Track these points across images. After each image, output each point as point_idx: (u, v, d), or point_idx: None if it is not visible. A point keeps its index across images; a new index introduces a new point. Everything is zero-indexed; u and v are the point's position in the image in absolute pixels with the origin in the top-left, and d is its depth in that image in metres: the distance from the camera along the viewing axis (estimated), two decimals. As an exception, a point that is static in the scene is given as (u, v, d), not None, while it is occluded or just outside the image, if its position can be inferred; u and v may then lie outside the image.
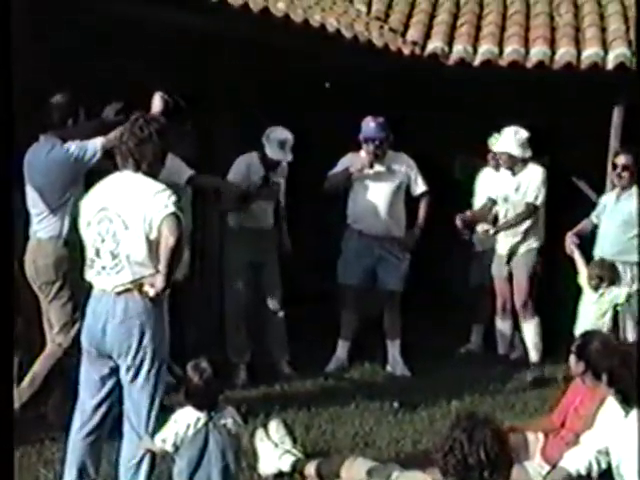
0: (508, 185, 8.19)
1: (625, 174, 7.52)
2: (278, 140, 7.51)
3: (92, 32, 6.79)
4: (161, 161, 4.92)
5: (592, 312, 7.32)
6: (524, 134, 8.03)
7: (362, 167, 7.92)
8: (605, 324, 7.19)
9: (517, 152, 8.00)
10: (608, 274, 7.30)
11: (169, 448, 4.59)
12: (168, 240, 4.53)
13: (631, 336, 7.23)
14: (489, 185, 8.75)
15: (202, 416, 4.60)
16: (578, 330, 7.19)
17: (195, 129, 7.53)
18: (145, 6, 6.83)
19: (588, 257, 7.62)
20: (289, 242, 8.01)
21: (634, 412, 4.70)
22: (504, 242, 8.24)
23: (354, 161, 7.99)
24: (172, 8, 7.08)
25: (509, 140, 8.06)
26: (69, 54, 6.75)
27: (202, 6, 7.36)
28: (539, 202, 7.99)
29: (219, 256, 7.94)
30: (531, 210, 8.02)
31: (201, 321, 8.34)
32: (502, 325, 8.51)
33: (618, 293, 7.26)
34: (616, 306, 7.25)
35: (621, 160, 7.56)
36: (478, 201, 8.93)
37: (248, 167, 7.61)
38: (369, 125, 7.92)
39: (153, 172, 4.82)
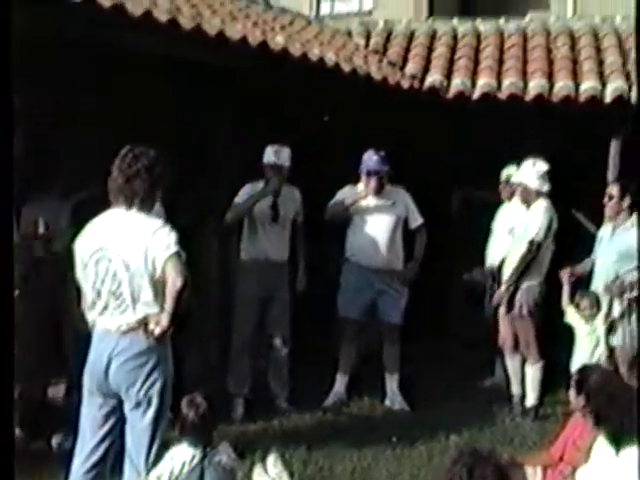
0: (519, 219, 8.10)
1: (613, 205, 7.48)
2: (272, 150, 7.57)
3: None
4: (153, 196, 4.85)
5: (584, 345, 7.29)
6: (543, 166, 7.91)
7: (359, 198, 7.95)
8: (599, 357, 7.16)
9: (534, 185, 7.88)
10: (594, 302, 7.29)
11: (165, 485, 4.58)
12: (176, 282, 4.52)
13: (625, 371, 7.19)
14: (503, 221, 8.73)
15: (197, 453, 4.59)
16: (574, 365, 7.18)
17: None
18: (141, 36, 6.89)
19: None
20: (305, 278, 7.97)
21: (627, 451, 4.67)
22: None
23: (351, 193, 8.02)
24: (177, 44, 7.18)
25: (527, 172, 7.96)
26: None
27: (201, 40, 7.43)
28: (540, 238, 7.80)
29: (223, 288, 7.92)
30: (532, 247, 7.80)
31: (200, 354, 8.35)
32: (509, 361, 8.27)
33: (602, 325, 7.26)
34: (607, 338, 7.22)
35: (610, 191, 7.54)
36: (493, 237, 8.90)
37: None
38: (372, 158, 7.95)
39: (145, 208, 4.78)
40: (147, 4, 7.08)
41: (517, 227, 8.04)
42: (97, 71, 7.07)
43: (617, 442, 4.72)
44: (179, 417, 4.73)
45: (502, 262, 8.28)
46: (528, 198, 7.93)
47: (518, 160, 8.17)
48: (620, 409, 4.68)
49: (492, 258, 8.72)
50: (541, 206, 7.83)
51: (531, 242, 7.76)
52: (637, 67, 7.22)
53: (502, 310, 8.03)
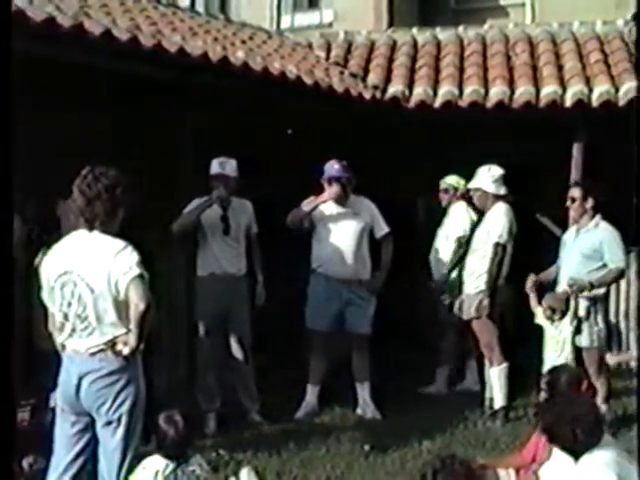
0: (477, 224, 8.21)
1: (576, 207, 7.55)
2: (218, 162, 7.55)
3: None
4: (115, 216, 4.81)
5: (552, 347, 7.36)
6: (498, 171, 7.99)
7: (320, 202, 7.98)
8: (565, 358, 7.22)
9: (491, 189, 7.96)
10: (559, 306, 7.34)
11: (137, 497, 4.61)
12: (139, 306, 4.53)
13: (593, 372, 7.26)
14: (454, 224, 8.88)
15: (170, 464, 4.62)
16: (544, 367, 7.24)
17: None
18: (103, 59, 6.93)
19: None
20: (264, 293, 7.89)
21: (585, 459, 4.71)
22: (469, 282, 8.19)
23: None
24: (138, 62, 7.21)
25: (483, 177, 8.03)
26: None
27: (162, 57, 7.47)
28: (503, 240, 7.86)
29: (190, 304, 7.90)
30: (498, 250, 7.82)
31: (171, 370, 8.36)
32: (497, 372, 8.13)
33: (569, 326, 7.31)
34: (574, 339, 7.28)
35: (572, 194, 7.59)
36: (441, 239, 9.06)
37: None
38: (333, 167, 7.99)
39: (107, 230, 4.76)
40: (106, 23, 7.14)
41: (477, 233, 8.11)
42: (61, 90, 7.11)
43: (574, 455, 4.76)
44: (157, 433, 4.76)
45: (452, 269, 8.48)
46: (486, 203, 8.02)
47: (478, 166, 8.25)
48: (573, 424, 4.69)
49: (440, 265, 8.93)
50: (500, 209, 7.90)
51: (496, 245, 7.82)
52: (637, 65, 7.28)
53: (472, 314, 8.08)
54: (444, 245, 8.96)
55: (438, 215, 9.30)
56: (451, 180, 9.12)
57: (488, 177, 8.00)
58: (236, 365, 7.72)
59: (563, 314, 7.30)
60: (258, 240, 7.88)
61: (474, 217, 8.68)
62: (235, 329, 7.70)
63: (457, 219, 8.96)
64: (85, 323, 4.67)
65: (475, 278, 7.94)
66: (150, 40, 7.47)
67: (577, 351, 7.30)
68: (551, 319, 7.35)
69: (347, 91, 9.80)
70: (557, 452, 4.96)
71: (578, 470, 4.72)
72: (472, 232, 8.23)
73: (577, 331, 7.28)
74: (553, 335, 7.36)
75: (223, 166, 7.53)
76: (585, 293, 7.27)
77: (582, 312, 7.30)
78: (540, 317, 7.47)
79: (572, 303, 7.31)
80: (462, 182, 8.90)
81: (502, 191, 7.96)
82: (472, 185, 8.25)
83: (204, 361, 7.65)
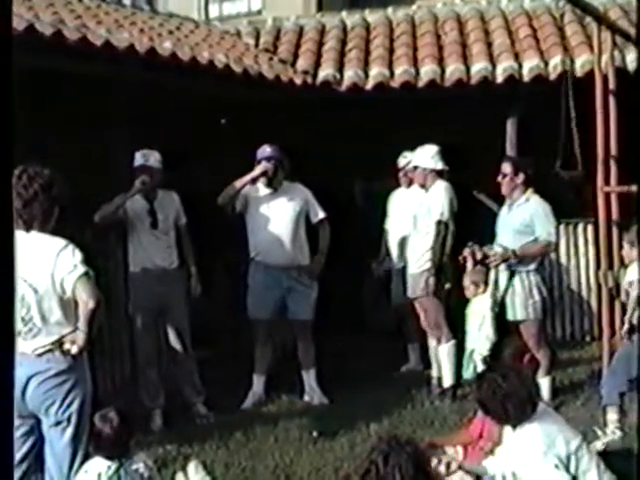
0: (418, 203, 8.21)
1: (507, 182, 7.58)
2: (140, 154, 7.49)
3: None
4: (51, 216, 4.77)
5: (473, 321, 7.41)
6: (434, 148, 8.06)
7: (250, 178, 7.96)
8: (486, 333, 7.27)
9: (429, 164, 8.02)
10: (481, 279, 7.40)
11: (81, 500, 4.56)
12: (88, 304, 4.49)
13: (533, 345, 7.32)
14: (401, 205, 8.88)
15: (112, 464, 4.58)
16: (467, 342, 7.32)
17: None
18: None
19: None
20: (199, 285, 7.83)
21: (515, 432, 4.90)
22: (413, 261, 8.21)
23: (250, 189, 8.08)
24: (63, 57, 7.12)
25: (420, 155, 8.11)
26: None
27: (87, 51, 7.39)
28: (445, 217, 7.89)
29: (127, 301, 7.83)
30: (440, 228, 7.88)
31: (114, 369, 8.31)
32: (445, 350, 8.19)
33: (488, 298, 7.35)
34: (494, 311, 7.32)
35: (504, 169, 7.62)
36: (392, 222, 9.05)
37: (131, 201, 7.51)
38: (265, 150, 8.01)
39: (45, 229, 4.72)
40: (29, 17, 7.04)
41: (418, 213, 8.13)
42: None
43: (511, 425, 4.94)
44: (92, 433, 4.71)
45: (402, 247, 8.50)
46: (425, 181, 8.06)
47: (413, 147, 8.28)
48: (504, 400, 4.86)
49: (393, 243, 8.91)
50: (441, 187, 7.95)
51: (439, 222, 7.86)
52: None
53: (418, 293, 8.12)
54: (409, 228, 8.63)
55: (377, 199, 9.32)
56: (407, 157, 8.91)
57: (425, 154, 8.05)
58: (177, 358, 7.69)
59: (486, 286, 7.36)
60: (189, 232, 7.84)
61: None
62: (173, 323, 7.65)
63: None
64: (30, 325, 4.62)
65: (419, 256, 7.99)
66: (75, 33, 7.37)
67: (504, 324, 7.34)
68: (475, 295, 7.41)
69: (277, 77, 9.79)
70: (508, 429, 5.06)
71: (508, 444, 4.90)
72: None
73: (500, 304, 7.33)
74: (474, 310, 7.41)
75: (146, 158, 7.47)
76: (512, 263, 7.31)
77: (503, 283, 7.34)
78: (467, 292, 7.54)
79: (491, 275, 7.36)
80: None
81: (440, 165, 8.01)
82: (410, 165, 8.32)
83: (144, 357, 7.60)
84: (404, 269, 8.61)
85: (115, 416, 4.67)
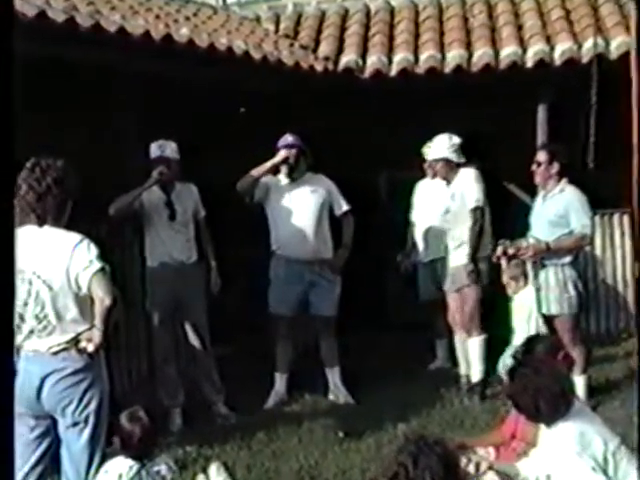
0: (445, 196, 8.20)
1: (541, 171, 7.50)
2: (157, 145, 7.49)
3: None
4: (65, 210, 4.79)
5: (519, 315, 7.39)
6: (457, 139, 8.08)
7: (271, 165, 7.94)
8: (534, 328, 7.24)
9: (452, 157, 8.04)
10: (519, 274, 7.38)
11: (101, 501, 4.56)
12: (104, 301, 4.49)
13: (568, 341, 7.24)
14: (427, 197, 8.84)
15: (134, 465, 4.58)
16: (515, 339, 7.28)
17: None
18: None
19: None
20: (219, 280, 7.82)
21: (548, 431, 4.84)
22: (455, 253, 8.14)
23: (272, 180, 8.06)
24: (76, 44, 7.11)
25: (443, 146, 8.10)
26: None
27: (101, 38, 7.38)
28: (481, 203, 7.90)
29: (144, 297, 7.83)
30: (477, 215, 7.89)
31: (131, 367, 8.31)
32: (457, 340, 8.35)
33: (530, 293, 7.35)
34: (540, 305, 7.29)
35: (538, 157, 7.55)
36: (417, 213, 9.01)
37: (148, 192, 7.51)
38: (287, 138, 8.00)
39: (58, 224, 4.73)
40: (40, 4, 7.03)
41: (450, 205, 8.10)
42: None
43: (543, 423, 4.89)
44: (121, 433, 4.72)
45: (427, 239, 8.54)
46: (448, 173, 8.05)
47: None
48: (536, 395, 4.80)
49: (418, 236, 8.90)
50: (470, 175, 7.94)
51: (474, 210, 7.85)
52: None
53: (451, 286, 8.11)
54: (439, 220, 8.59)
55: (402, 190, 9.27)
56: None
57: (449, 146, 8.03)
58: (196, 355, 7.69)
59: (526, 279, 7.35)
60: (207, 225, 7.83)
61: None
62: (191, 318, 7.64)
63: (469, 187, 8.28)
64: (44, 322, 4.63)
65: (460, 247, 7.99)
66: (88, 20, 7.36)
67: (547, 319, 7.32)
68: (517, 290, 7.42)
69: (298, 64, 9.76)
70: (543, 429, 5.01)
71: (542, 445, 4.84)
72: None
73: (538, 297, 7.30)
74: (519, 304, 7.40)
75: (163, 149, 7.47)
76: (545, 256, 7.27)
77: (542, 277, 7.30)
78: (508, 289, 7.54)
79: (528, 268, 7.33)
80: None
81: (462, 159, 8.02)
82: (433, 156, 8.26)
83: (161, 354, 7.59)
84: (432, 263, 8.61)
85: (144, 415, 4.67)
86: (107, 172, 7.77)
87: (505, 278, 7.50)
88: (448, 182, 8.12)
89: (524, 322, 7.31)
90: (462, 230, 7.97)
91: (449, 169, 8.09)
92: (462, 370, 8.26)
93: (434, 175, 8.70)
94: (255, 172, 7.97)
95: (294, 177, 8.02)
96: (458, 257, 8.04)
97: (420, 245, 8.94)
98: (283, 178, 8.05)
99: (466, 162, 8.12)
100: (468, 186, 7.94)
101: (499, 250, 7.42)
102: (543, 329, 7.17)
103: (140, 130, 8.14)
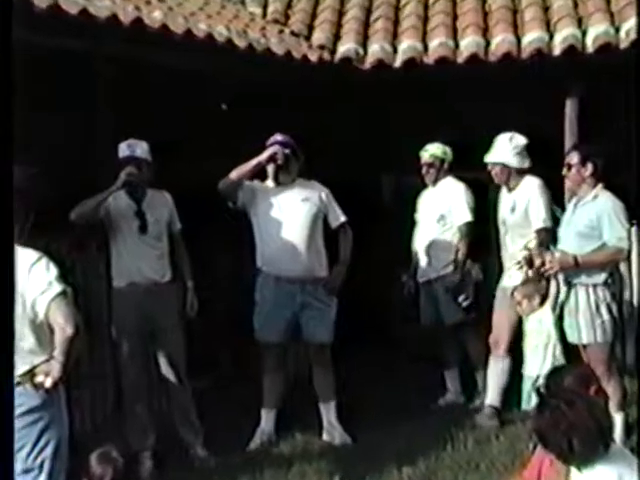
0: (509, 206, 8.20)
1: (573, 175, 7.38)
2: (126, 144, 7.46)
3: None
4: (27, 220, 4.78)
5: (533, 342, 7.36)
6: (521, 140, 8.08)
7: (261, 160, 7.89)
8: (553, 355, 7.21)
9: (514, 162, 8.04)
10: (535, 291, 7.33)
11: None
12: (65, 330, 4.47)
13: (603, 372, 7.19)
14: (428, 205, 8.89)
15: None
16: (527, 368, 7.25)
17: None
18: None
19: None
20: (196, 302, 7.78)
21: (592, 471, 4.75)
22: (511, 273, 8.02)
23: (260, 186, 8.04)
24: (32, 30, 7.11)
25: (504, 148, 8.10)
26: None
27: (60, 23, 7.37)
28: (548, 225, 7.91)
29: (110, 323, 7.80)
30: (543, 236, 7.88)
31: (95, 405, 8.28)
32: (497, 366, 8.30)
33: (550, 315, 7.28)
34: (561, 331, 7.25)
35: (569, 160, 7.48)
36: (419, 225, 9.04)
37: (115, 199, 7.48)
38: (276, 137, 7.96)
39: (20, 237, 4.67)
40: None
41: (507, 217, 8.14)
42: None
43: (575, 465, 4.80)
44: (88, 476, 4.70)
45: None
46: (507, 179, 8.06)
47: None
48: (569, 432, 4.71)
49: (420, 250, 8.98)
50: (534, 186, 7.95)
51: (541, 230, 7.90)
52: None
53: (501, 303, 8.12)
54: (436, 231, 8.86)
55: (408, 197, 9.28)
56: (436, 150, 8.97)
57: (510, 148, 8.02)
58: (170, 391, 7.65)
59: (543, 299, 7.26)
60: (183, 238, 7.79)
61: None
62: (164, 347, 7.58)
63: (455, 199, 8.82)
64: (-5, 354, 4.59)
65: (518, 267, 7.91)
66: (45, 2, 7.35)
67: (567, 347, 7.27)
68: (532, 311, 7.34)
69: (289, 53, 9.75)
70: (575, 473, 4.96)
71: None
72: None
73: (560, 320, 7.24)
74: (534, 328, 7.34)
75: (133, 148, 7.43)
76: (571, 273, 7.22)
77: (571, 299, 7.23)
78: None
79: (552, 285, 7.27)
80: (449, 151, 8.87)
81: (527, 164, 7.99)
82: (491, 158, 8.21)
83: (131, 390, 7.53)
84: (436, 281, 8.65)
85: (118, 456, 4.66)
86: (72, 172, 7.78)
87: (518, 296, 7.40)
88: (509, 189, 8.15)
89: (540, 349, 7.27)
90: (520, 247, 7.88)
91: (508, 175, 8.09)
92: (489, 400, 8.29)
93: (435, 181, 8.78)
94: (237, 171, 7.89)
95: (283, 181, 7.95)
96: (515, 278, 7.89)
97: (421, 261, 8.96)
98: (270, 182, 8.01)
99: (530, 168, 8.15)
100: (533, 201, 8.00)
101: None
102: (561, 360, 7.12)
103: (108, 127, 8.14)
